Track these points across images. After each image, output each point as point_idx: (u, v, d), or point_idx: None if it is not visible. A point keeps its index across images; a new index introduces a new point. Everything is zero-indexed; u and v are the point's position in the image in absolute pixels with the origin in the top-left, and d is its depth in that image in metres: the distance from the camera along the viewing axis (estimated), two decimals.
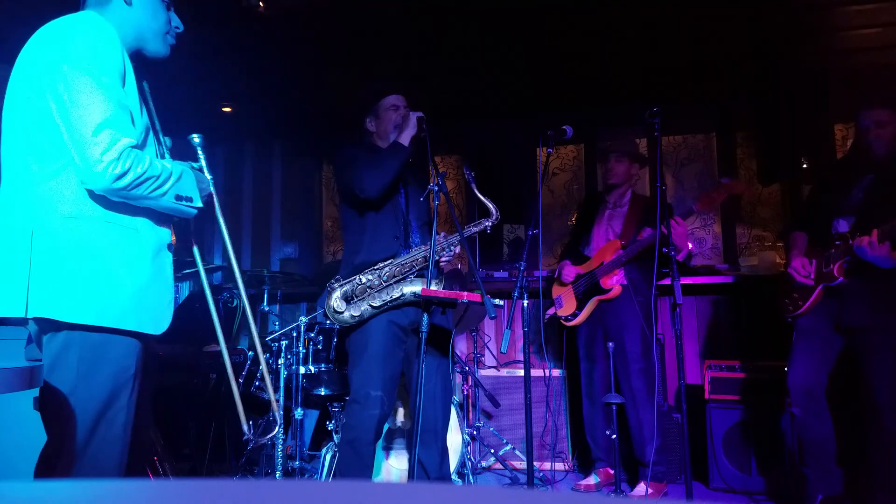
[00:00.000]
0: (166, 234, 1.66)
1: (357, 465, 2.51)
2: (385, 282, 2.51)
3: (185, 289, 4.74)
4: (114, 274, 1.50)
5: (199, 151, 1.83)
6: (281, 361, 3.28)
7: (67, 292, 1.45)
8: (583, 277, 3.39)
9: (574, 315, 3.39)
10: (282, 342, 3.31)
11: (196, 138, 1.83)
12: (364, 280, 2.51)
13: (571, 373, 3.75)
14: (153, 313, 1.57)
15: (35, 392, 3.25)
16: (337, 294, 2.52)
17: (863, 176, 2.73)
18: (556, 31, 3.46)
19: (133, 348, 1.55)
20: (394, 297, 2.51)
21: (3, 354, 3.38)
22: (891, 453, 2.54)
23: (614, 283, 3.29)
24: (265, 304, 3.79)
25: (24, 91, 1.50)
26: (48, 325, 1.48)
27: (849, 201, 2.72)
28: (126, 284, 1.52)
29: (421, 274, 2.52)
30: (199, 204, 1.65)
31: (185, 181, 1.61)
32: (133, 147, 1.47)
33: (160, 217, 1.63)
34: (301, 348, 3.29)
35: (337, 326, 3.37)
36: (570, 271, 3.42)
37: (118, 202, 1.51)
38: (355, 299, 2.51)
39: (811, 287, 2.74)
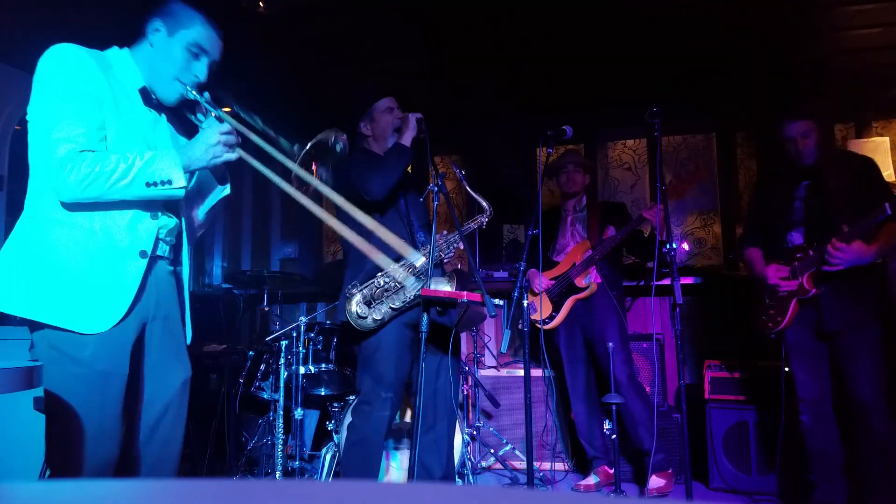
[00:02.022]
0: (139, 241, 1.65)
1: (364, 466, 2.52)
2: (400, 283, 2.52)
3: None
4: (55, 271, 1.55)
5: (205, 106, 1.75)
6: (281, 361, 3.28)
7: (11, 287, 1.56)
8: (556, 281, 3.42)
9: (551, 317, 3.42)
10: (282, 342, 3.31)
11: (195, 94, 1.74)
12: (381, 283, 2.52)
13: (557, 374, 3.76)
14: (89, 312, 1.56)
15: (35, 392, 3.25)
16: (357, 299, 2.51)
17: (797, 185, 2.79)
18: (556, 31, 3.46)
19: (88, 344, 1.55)
20: (411, 297, 2.51)
21: (2, 354, 3.38)
22: (882, 453, 2.55)
23: (589, 281, 3.36)
24: (265, 304, 3.80)
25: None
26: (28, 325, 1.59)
27: (794, 213, 2.78)
28: (64, 282, 1.55)
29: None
30: (182, 183, 1.61)
31: (158, 164, 1.59)
32: (82, 151, 1.54)
33: (133, 222, 1.64)
34: (301, 348, 3.29)
35: (337, 327, 3.37)
36: (543, 280, 3.45)
37: (79, 205, 1.57)
38: (374, 303, 2.52)
39: (786, 300, 2.75)
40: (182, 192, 1.63)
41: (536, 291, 3.47)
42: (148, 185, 1.57)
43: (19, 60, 3.57)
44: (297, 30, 3.40)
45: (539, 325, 3.45)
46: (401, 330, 2.56)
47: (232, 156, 1.70)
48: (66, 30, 1.61)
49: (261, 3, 3.07)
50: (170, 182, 1.59)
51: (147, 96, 1.72)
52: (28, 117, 1.60)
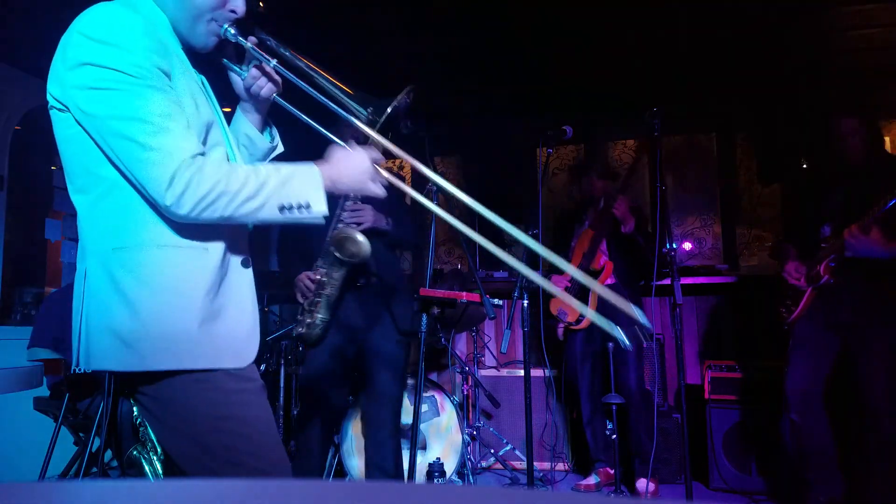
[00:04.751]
0: (239, 250, 1.37)
1: (307, 464, 2.57)
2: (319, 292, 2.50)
3: None
4: (173, 309, 1.24)
5: (254, 54, 1.40)
6: (281, 361, 3.28)
7: (116, 339, 1.23)
8: (573, 279, 3.37)
9: (583, 316, 3.36)
10: (282, 342, 3.31)
11: (235, 35, 1.38)
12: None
13: (570, 375, 3.75)
14: (230, 346, 1.30)
15: (35, 392, 3.27)
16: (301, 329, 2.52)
17: (839, 183, 2.78)
18: (556, 31, 3.46)
19: (225, 381, 1.29)
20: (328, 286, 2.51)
21: (2, 354, 3.38)
22: (887, 456, 2.54)
23: (602, 262, 3.32)
24: (265, 304, 3.80)
25: (50, 106, 1.26)
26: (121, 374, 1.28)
27: (829, 207, 2.76)
28: (188, 318, 1.25)
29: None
30: (322, 208, 1.28)
31: (294, 182, 1.27)
32: (194, 157, 1.19)
33: (232, 231, 1.35)
34: (301, 348, 3.29)
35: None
36: (558, 279, 3.41)
37: (175, 225, 1.25)
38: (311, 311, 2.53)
39: (802, 291, 2.76)
40: (322, 220, 1.30)
41: (558, 288, 3.44)
42: (282, 209, 1.25)
43: (19, 60, 3.58)
44: (297, 30, 3.40)
45: (573, 328, 3.42)
46: (336, 329, 2.61)
47: (380, 191, 1.37)
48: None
49: (261, 3, 3.07)
50: (308, 207, 1.27)
51: (189, 52, 1.38)
52: (81, 105, 1.20)
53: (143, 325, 1.22)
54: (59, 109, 1.24)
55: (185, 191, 1.16)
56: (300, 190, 1.27)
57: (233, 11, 1.37)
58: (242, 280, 1.36)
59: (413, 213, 2.82)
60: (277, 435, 1.38)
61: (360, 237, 2.11)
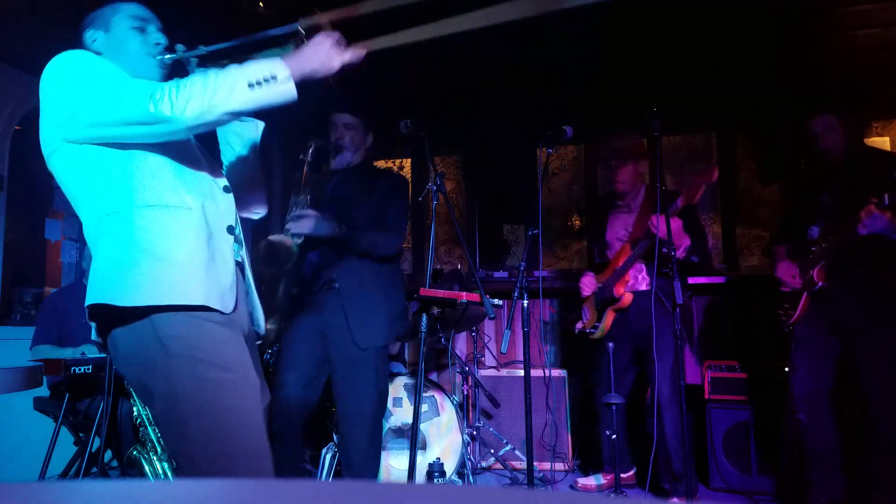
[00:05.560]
0: (226, 216, 1.56)
1: (280, 462, 2.54)
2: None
3: None
4: (167, 253, 1.40)
5: (186, 56, 1.61)
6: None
7: (117, 278, 1.38)
8: (600, 288, 3.26)
9: (595, 327, 3.26)
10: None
11: (169, 55, 1.61)
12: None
13: (573, 374, 3.76)
14: (217, 291, 1.45)
15: (35, 392, 3.27)
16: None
17: (826, 183, 2.76)
18: (555, 31, 3.46)
19: (220, 348, 1.41)
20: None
21: (2, 354, 3.39)
22: (888, 456, 2.54)
23: (625, 290, 3.15)
24: None
25: (47, 155, 1.49)
26: (112, 317, 1.40)
27: (819, 208, 2.75)
28: (181, 261, 1.41)
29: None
30: (287, 75, 1.41)
31: (249, 67, 1.41)
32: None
33: (214, 196, 1.54)
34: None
35: None
36: (587, 283, 3.30)
37: (159, 189, 1.44)
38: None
39: (798, 294, 2.75)
40: (293, 93, 1.42)
41: (583, 294, 3.31)
42: (251, 86, 1.38)
43: (19, 60, 3.58)
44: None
45: (588, 335, 3.29)
46: (304, 319, 2.59)
47: (347, 56, 1.56)
48: (67, 29, 1.60)
49: (261, 3, 3.07)
50: (274, 78, 1.39)
51: None
52: (64, 120, 1.43)
53: (141, 266, 1.39)
54: (53, 150, 1.46)
55: (165, 95, 1.34)
56: (262, 67, 1.41)
57: (158, 44, 1.61)
58: (225, 242, 1.53)
59: (383, 218, 2.60)
60: (255, 427, 1.43)
61: (288, 243, 2.08)
